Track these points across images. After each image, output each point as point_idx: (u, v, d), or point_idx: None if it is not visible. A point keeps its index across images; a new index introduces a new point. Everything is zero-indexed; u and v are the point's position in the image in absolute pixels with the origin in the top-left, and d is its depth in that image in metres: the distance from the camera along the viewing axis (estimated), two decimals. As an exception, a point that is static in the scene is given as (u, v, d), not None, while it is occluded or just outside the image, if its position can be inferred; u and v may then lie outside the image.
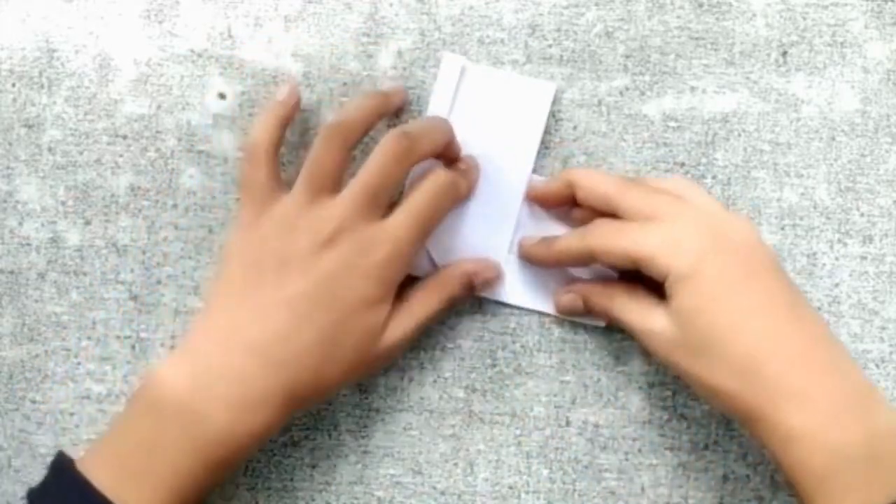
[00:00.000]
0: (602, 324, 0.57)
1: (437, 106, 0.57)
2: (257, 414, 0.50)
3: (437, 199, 0.54)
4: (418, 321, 0.54)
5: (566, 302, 0.56)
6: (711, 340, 0.49)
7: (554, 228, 0.57)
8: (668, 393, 0.58)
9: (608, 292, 0.55)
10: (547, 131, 0.58)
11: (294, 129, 0.58)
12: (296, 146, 0.58)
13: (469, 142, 0.57)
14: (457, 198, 0.55)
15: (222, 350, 0.51)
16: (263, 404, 0.50)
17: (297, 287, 0.51)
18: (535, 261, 0.56)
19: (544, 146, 0.58)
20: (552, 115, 0.58)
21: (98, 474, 0.49)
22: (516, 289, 0.57)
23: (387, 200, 0.53)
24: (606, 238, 0.52)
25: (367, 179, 0.52)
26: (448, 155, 0.56)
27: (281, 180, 0.55)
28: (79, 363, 0.58)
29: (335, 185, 0.53)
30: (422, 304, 0.54)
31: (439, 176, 0.54)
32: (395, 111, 0.58)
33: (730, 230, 0.51)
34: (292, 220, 0.52)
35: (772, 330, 0.49)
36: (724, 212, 0.53)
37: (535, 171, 0.58)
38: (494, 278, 0.57)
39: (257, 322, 0.51)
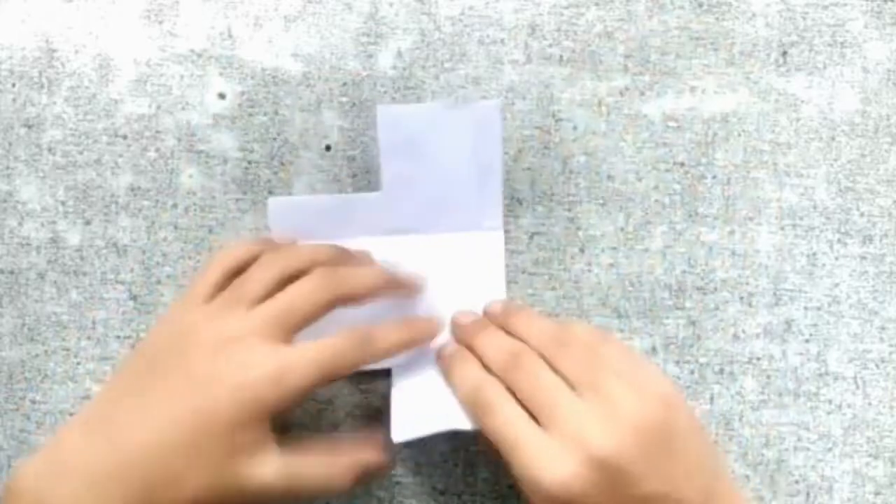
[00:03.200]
0: None
1: (387, 162, 0.55)
2: None
3: (347, 351, 0.51)
4: (303, 471, 0.50)
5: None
6: None
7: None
8: (668, 393, 0.58)
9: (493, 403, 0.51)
10: (547, 131, 0.58)
11: (294, 130, 0.58)
12: (296, 146, 0.58)
13: (427, 181, 0.56)
14: (376, 352, 0.52)
15: (86, 445, 0.49)
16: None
17: (173, 389, 0.49)
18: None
19: (544, 146, 0.58)
20: (552, 115, 0.58)
21: None
22: None
23: (294, 330, 0.50)
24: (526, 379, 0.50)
25: (278, 304, 0.50)
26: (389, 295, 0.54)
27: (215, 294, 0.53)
28: (79, 363, 0.58)
29: (256, 303, 0.51)
30: (302, 457, 0.50)
31: (359, 331, 0.52)
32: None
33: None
34: (198, 323, 0.51)
35: None
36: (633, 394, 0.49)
37: (506, 184, 0.58)
38: (384, 471, 0.54)
39: (129, 419, 0.49)
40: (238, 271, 0.53)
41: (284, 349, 0.49)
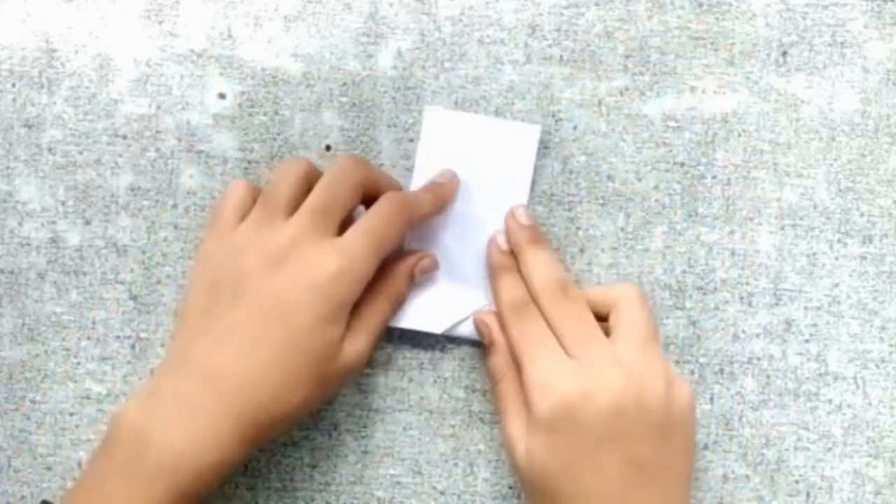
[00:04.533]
0: None
1: (423, 159, 0.57)
2: (212, 441, 0.49)
3: (391, 216, 0.53)
4: (374, 331, 0.54)
5: (478, 323, 0.57)
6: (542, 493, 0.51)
7: None
8: (668, 393, 0.58)
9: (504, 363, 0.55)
10: (546, 131, 0.58)
11: (294, 130, 0.58)
12: (295, 146, 0.59)
13: (458, 191, 0.57)
14: (416, 215, 0.55)
15: (178, 378, 0.51)
16: (218, 431, 0.49)
17: (249, 310, 0.51)
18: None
19: (544, 146, 0.58)
20: (552, 115, 0.58)
21: None
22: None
23: (337, 219, 0.53)
24: (523, 335, 0.54)
25: (315, 198, 0.53)
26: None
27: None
28: (79, 363, 0.58)
29: (290, 210, 0.53)
30: (374, 313, 0.54)
31: (394, 195, 0.54)
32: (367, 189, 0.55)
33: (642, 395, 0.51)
34: (245, 243, 0.53)
35: None
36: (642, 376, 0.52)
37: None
38: (432, 264, 0.57)
39: (211, 348, 0.51)
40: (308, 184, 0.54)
41: (337, 240, 0.52)
